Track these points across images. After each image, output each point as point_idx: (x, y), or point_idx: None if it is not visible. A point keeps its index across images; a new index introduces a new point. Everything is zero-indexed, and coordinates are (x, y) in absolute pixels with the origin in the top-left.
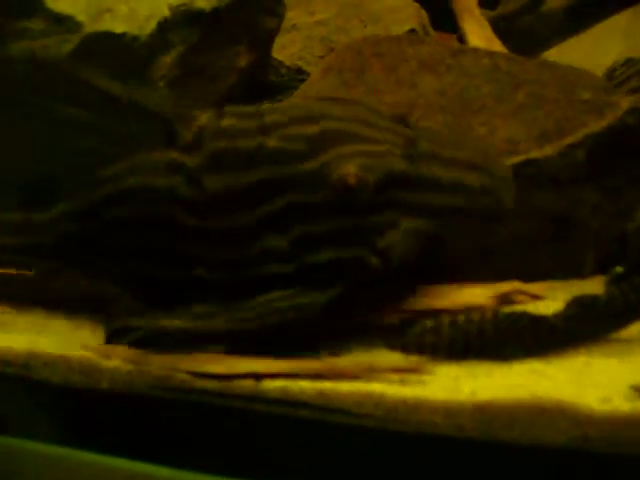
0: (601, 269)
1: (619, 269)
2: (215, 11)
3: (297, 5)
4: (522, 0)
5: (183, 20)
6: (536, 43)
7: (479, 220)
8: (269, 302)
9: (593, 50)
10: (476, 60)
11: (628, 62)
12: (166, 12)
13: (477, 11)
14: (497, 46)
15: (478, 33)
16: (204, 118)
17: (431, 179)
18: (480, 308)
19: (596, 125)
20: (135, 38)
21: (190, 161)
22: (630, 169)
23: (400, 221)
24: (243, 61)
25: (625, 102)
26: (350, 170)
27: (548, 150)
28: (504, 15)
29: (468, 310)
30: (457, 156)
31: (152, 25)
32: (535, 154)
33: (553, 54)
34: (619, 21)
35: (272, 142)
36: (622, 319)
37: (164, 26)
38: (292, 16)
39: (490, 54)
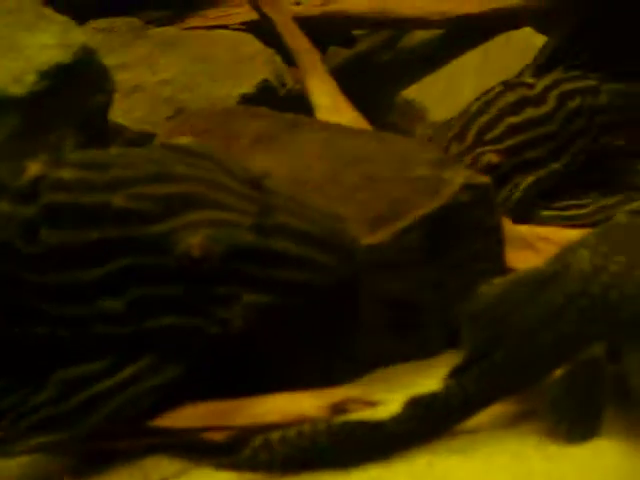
0: (451, 345)
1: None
2: (32, 96)
3: (139, 63)
4: (379, 37)
5: None
6: (393, 82)
7: (324, 299)
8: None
9: (448, 88)
10: (312, 135)
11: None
12: None
13: (321, 67)
14: (342, 103)
15: (323, 91)
16: (36, 167)
17: (280, 253)
18: (311, 420)
19: (430, 206)
20: None
21: (24, 212)
22: (471, 244)
23: (242, 294)
24: (71, 142)
25: (459, 178)
26: (196, 241)
27: (381, 235)
28: (360, 53)
29: (299, 423)
30: (312, 231)
31: None
32: (368, 240)
33: (412, 92)
34: (472, 59)
35: (118, 201)
36: (463, 413)
37: None
38: (134, 76)
39: (326, 127)
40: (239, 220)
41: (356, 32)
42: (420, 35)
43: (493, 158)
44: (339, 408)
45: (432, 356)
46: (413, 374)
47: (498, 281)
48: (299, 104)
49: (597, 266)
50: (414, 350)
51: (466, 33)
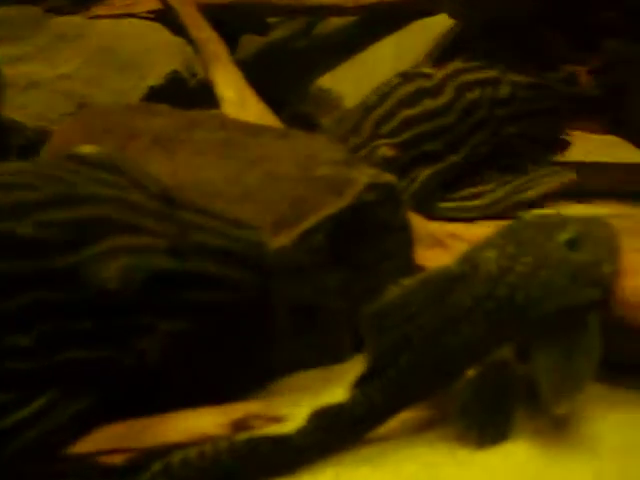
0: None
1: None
2: None
3: (36, 57)
4: (293, 25)
5: None
6: (308, 70)
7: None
8: None
9: (364, 75)
10: (212, 134)
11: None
12: None
13: (226, 57)
14: (248, 96)
15: (228, 83)
16: None
17: (197, 275)
18: (213, 438)
19: (334, 206)
20: None
21: None
22: (379, 244)
23: (159, 323)
24: None
25: (364, 177)
26: (112, 273)
27: (284, 239)
28: (275, 41)
29: (200, 442)
30: (228, 248)
31: None
32: (273, 243)
33: (326, 81)
34: (387, 46)
35: (24, 229)
36: (371, 422)
37: None
38: (31, 71)
39: (228, 125)
40: (155, 244)
41: (270, 20)
42: (335, 22)
43: (387, 152)
44: (241, 425)
45: (341, 361)
46: (321, 382)
47: (407, 281)
48: (210, 95)
49: (503, 267)
50: (323, 356)
51: (381, 20)
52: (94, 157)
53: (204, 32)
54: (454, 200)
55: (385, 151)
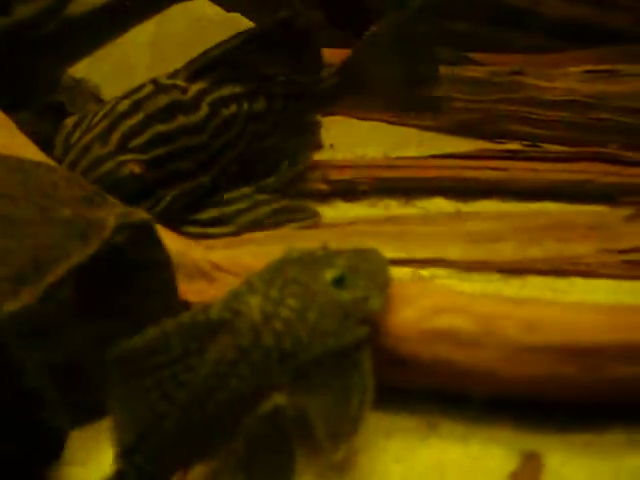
0: None
1: None
2: None
3: None
4: (41, 3)
5: None
6: (58, 56)
7: None
8: None
9: (121, 62)
10: None
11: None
12: None
13: None
14: None
15: None
16: None
17: None
18: None
19: (80, 254)
20: None
21: None
22: (137, 286)
23: None
24: None
25: (112, 218)
26: None
27: (26, 297)
28: (19, 22)
29: None
30: None
31: None
32: (10, 305)
33: (81, 69)
34: (146, 31)
35: None
36: None
37: None
38: None
39: None
40: None
41: None
42: (88, 3)
43: (135, 169)
44: None
45: None
46: (85, 447)
47: (167, 323)
48: None
49: (268, 314)
50: (90, 415)
51: (139, 2)
52: None
53: None
54: (199, 224)
55: (133, 167)
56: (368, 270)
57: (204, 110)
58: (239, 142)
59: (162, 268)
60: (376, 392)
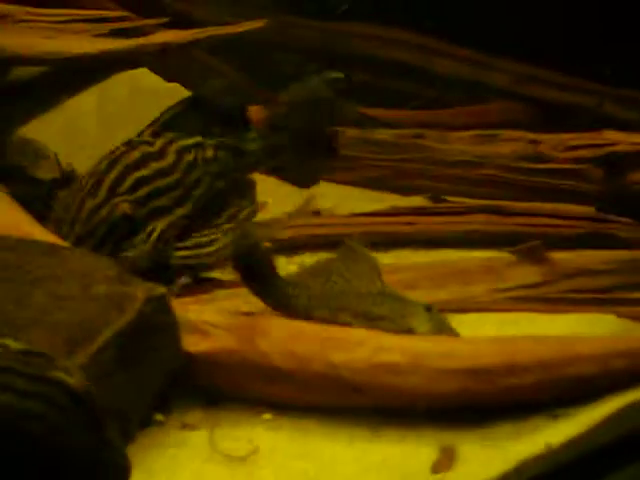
0: None
1: None
2: None
3: None
4: None
5: None
6: (8, 118)
7: None
8: None
9: (68, 126)
10: None
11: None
12: None
13: None
14: None
15: None
16: None
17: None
18: None
19: (119, 322)
20: None
21: None
22: (152, 345)
23: None
24: None
25: (141, 292)
26: None
27: (80, 358)
28: None
29: None
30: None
31: None
32: (66, 363)
33: (31, 130)
34: (91, 95)
35: None
36: None
37: None
38: None
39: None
40: None
41: None
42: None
43: (127, 208)
44: None
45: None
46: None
47: None
48: None
49: None
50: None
51: (78, 72)
52: None
53: None
54: (188, 249)
55: (125, 208)
56: None
57: (171, 157)
58: (204, 179)
59: (172, 328)
60: (337, 412)
